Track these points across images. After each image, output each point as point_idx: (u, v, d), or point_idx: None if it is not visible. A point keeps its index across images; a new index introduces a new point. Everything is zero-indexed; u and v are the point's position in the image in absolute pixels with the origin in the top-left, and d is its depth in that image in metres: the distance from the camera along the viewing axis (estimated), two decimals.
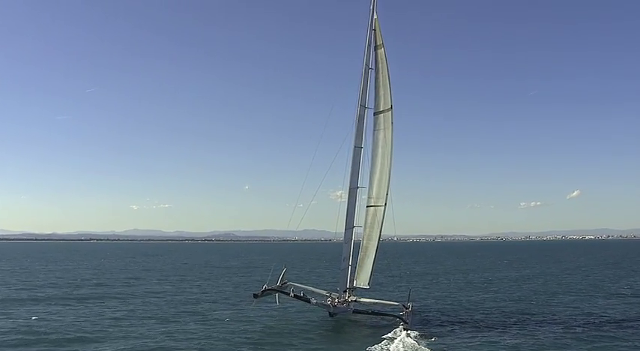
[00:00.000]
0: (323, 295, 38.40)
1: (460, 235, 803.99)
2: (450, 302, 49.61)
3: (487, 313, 41.96)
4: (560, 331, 34.32)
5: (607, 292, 55.62)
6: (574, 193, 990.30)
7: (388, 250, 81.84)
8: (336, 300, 37.04)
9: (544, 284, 65.69)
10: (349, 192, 39.33)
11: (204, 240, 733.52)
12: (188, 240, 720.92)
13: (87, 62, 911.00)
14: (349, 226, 39.32)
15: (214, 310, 41.83)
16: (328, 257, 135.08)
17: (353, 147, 40.32)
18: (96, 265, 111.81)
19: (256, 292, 36.27)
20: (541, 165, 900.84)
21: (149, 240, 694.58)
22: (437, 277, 79.24)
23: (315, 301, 35.88)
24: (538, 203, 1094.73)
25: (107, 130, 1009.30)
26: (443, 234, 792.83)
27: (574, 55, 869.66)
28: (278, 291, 36.34)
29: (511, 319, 38.92)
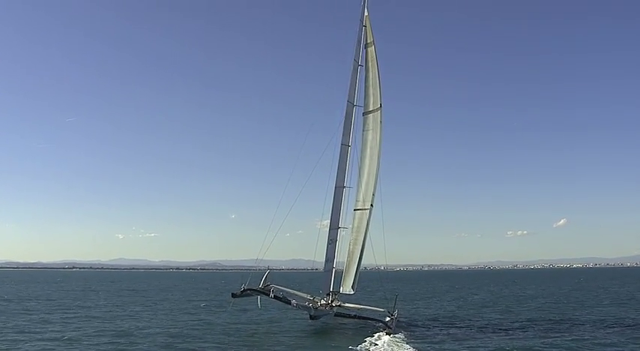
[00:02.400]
0: (306, 299, 36.22)
1: (448, 264, 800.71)
2: (442, 314, 47.40)
3: (486, 324, 39.54)
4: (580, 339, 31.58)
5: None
6: (560, 222, 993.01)
7: (375, 277, 78.99)
8: (319, 303, 34.98)
9: (555, 302, 61.28)
10: (335, 190, 37.42)
11: (189, 269, 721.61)
12: (173, 269, 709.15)
13: (66, 90, 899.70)
14: (334, 226, 37.15)
15: (143, 329, 35.30)
16: (309, 284, 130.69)
17: (340, 144, 38.54)
18: (46, 287, 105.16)
19: (235, 292, 33.95)
20: (527, 194, 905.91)
21: (132, 268, 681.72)
22: (428, 297, 76.64)
23: (295, 303, 33.90)
24: (525, 232, 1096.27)
25: (91, 159, 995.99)
26: (430, 263, 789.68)
27: (556, 85, 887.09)
28: (257, 291, 33.93)
29: (514, 329, 36.40)
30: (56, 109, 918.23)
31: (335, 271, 38.86)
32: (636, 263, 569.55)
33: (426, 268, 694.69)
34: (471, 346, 29.03)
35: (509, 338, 31.84)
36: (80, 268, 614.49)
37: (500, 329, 36.16)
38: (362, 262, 39.39)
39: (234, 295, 34.15)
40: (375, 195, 38.23)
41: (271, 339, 31.89)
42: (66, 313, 46.87)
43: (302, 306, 34.39)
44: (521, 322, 40.63)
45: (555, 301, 64.27)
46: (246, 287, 33.67)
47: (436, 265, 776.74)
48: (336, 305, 36.42)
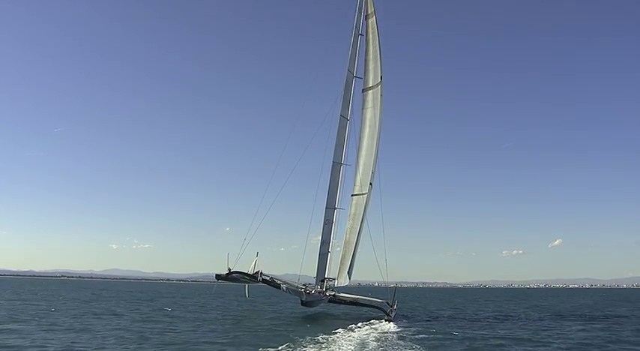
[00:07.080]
0: (298, 286, 32.61)
1: (442, 282, 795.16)
2: (441, 312, 43.82)
3: (492, 322, 35.73)
4: None
5: None
6: (556, 242, 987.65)
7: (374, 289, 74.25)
8: (312, 291, 31.26)
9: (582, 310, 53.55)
10: (332, 166, 33.84)
11: (179, 280, 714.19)
12: (163, 280, 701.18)
13: (54, 97, 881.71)
14: (330, 205, 33.45)
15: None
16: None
17: (339, 116, 35.19)
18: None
19: (220, 274, 30.08)
20: (522, 213, 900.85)
21: (123, 279, 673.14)
22: (427, 305, 72.50)
23: (285, 287, 30.40)
24: (520, 252, 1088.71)
25: (85, 168, 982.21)
26: (424, 281, 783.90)
27: (551, 104, 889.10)
28: (243, 273, 30.18)
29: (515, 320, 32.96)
30: (44, 117, 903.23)
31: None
32: (632, 285, 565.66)
33: (420, 286, 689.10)
34: (470, 334, 25.79)
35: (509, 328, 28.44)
36: (68, 277, 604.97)
37: (500, 322, 32.70)
38: (357, 256, 35.89)
39: (218, 277, 30.43)
40: (374, 173, 34.68)
41: (265, 323, 29.29)
42: None
43: (293, 290, 31.37)
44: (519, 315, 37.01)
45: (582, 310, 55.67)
46: (232, 269, 29.79)
47: (430, 283, 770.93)
48: (330, 295, 33.15)
